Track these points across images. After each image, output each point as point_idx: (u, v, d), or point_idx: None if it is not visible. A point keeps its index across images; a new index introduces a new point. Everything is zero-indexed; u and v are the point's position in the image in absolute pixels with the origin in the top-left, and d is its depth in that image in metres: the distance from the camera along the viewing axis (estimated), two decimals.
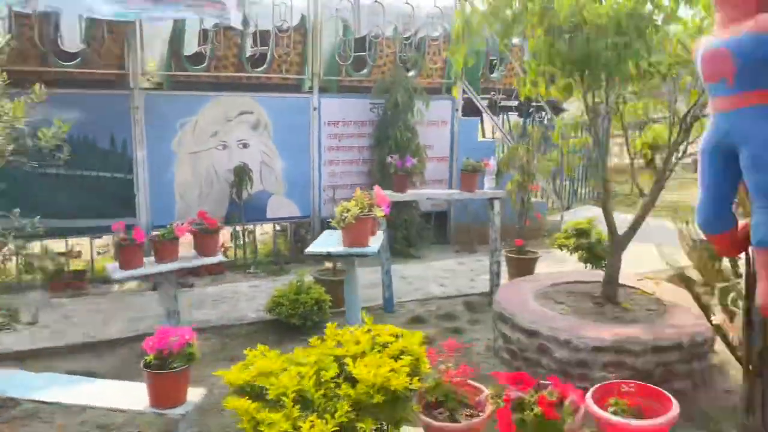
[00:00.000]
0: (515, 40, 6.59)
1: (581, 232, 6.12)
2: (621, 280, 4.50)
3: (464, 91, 8.15)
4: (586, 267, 6.05)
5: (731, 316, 2.82)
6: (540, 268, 6.45)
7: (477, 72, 8.69)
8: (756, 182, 2.29)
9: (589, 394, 2.84)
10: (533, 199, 7.75)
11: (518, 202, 7.12)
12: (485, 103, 8.95)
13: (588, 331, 3.79)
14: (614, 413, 2.74)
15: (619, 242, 4.41)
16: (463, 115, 8.42)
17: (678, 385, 3.63)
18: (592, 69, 3.94)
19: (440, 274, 6.89)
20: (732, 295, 2.78)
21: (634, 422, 2.69)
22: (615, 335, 3.72)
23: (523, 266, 6.37)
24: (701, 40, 2.51)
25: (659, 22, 3.83)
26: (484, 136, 11.27)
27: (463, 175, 5.84)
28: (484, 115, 9.02)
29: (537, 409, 2.45)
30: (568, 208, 9.87)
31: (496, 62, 9.16)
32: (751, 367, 2.70)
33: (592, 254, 6.01)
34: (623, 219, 4.75)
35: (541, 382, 2.66)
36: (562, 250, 6.26)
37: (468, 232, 8.04)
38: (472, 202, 7.01)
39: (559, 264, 6.64)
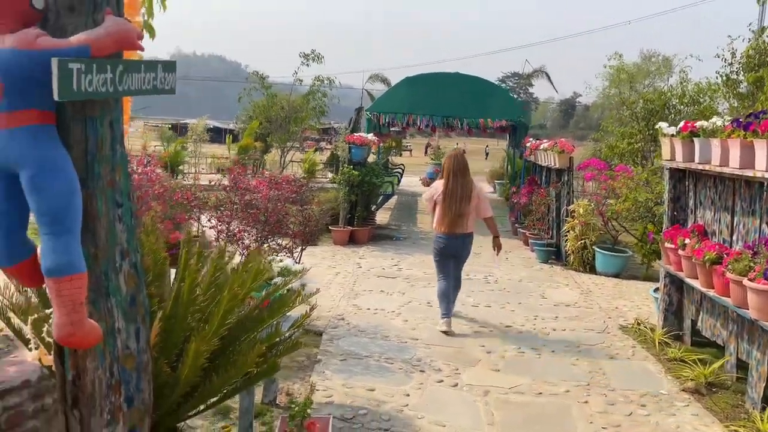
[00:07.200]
0: None
1: None
2: None
3: None
4: None
5: (49, 348, 2.66)
6: None
7: None
8: (36, 206, 2.13)
9: None
10: None
11: None
12: None
13: None
14: None
15: None
16: None
17: (30, 425, 3.31)
18: None
19: None
20: (46, 326, 2.61)
21: None
22: None
23: None
24: None
25: None
26: None
27: None
28: None
29: None
30: None
31: None
32: (68, 400, 2.58)
33: None
34: None
35: None
36: None
37: None
38: None
39: None
